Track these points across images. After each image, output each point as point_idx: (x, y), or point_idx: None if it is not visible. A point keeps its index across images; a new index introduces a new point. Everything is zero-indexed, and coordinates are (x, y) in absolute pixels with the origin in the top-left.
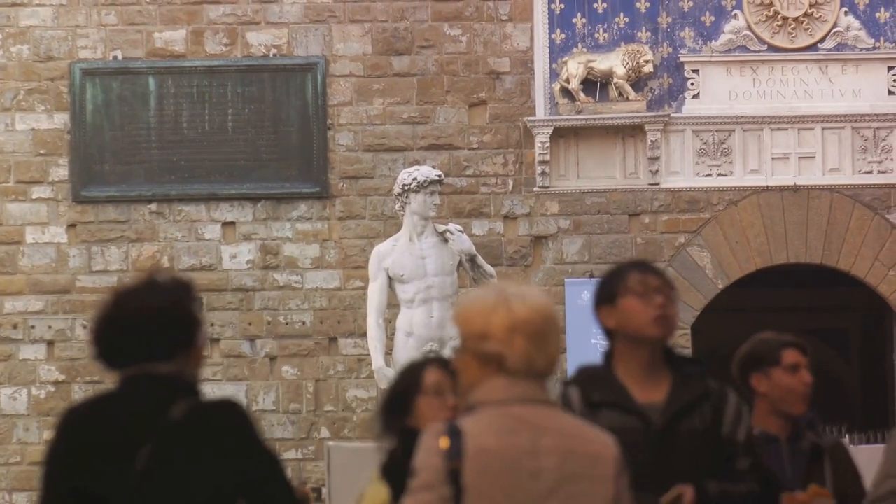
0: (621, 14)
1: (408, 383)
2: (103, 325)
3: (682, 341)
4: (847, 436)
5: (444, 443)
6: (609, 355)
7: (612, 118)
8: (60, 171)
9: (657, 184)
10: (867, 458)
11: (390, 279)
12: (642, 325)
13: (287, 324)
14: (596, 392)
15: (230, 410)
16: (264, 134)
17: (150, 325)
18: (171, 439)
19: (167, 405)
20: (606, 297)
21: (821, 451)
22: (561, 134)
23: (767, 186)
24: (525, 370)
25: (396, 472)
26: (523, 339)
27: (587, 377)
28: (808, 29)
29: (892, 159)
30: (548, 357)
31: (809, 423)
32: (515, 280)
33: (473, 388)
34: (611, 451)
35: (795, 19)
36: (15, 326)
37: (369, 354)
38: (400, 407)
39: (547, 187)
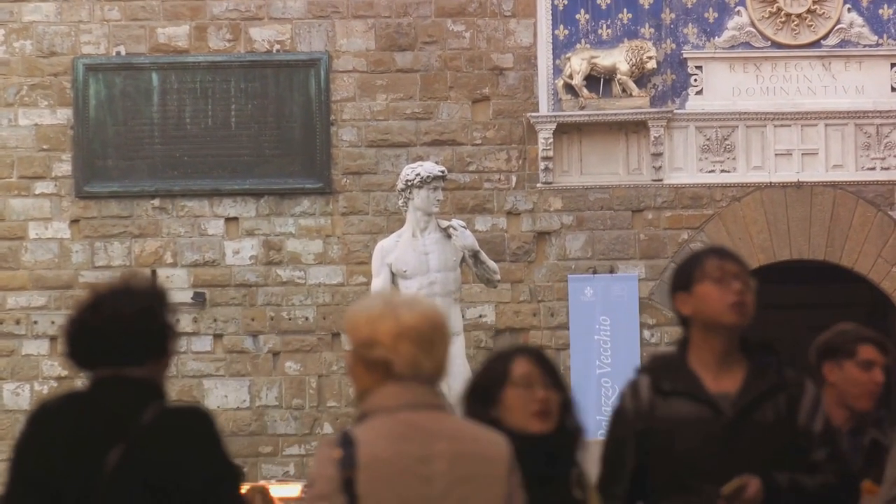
0: (624, 10)
1: (495, 373)
2: (78, 327)
3: None
4: None
5: (336, 453)
6: (683, 343)
7: (615, 114)
8: (63, 167)
9: (660, 180)
10: None
11: (393, 275)
12: (719, 312)
13: (290, 319)
14: (667, 380)
15: (197, 417)
16: (267, 129)
17: (127, 331)
18: (142, 442)
19: (138, 409)
20: (682, 283)
21: (882, 448)
22: (564, 130)
23: (770, 183)
24: (412, 375)
25: None
26: (409, 344)
27: (659, 365)
28: (811, 25)
29: (895, 156)
30: (435, 362)
31: (877, 420)
32: (518, 274)
33: (365, 395)
34: (502, 452)
35: (799, 16)
36: (18, 322)
37: None
38: (486, 398)
39: (550, 183)
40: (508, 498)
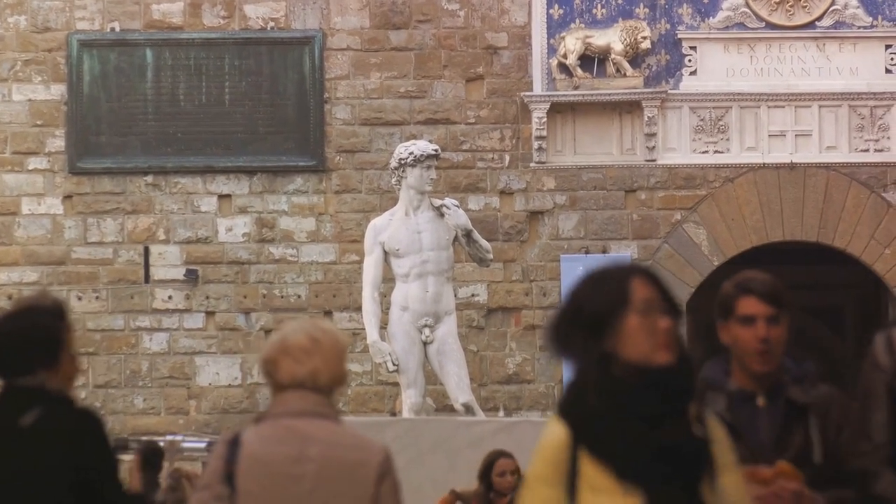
0: None
1: (610, 297)
2: None
3: None
4: None
5: (223, 450)
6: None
7: (609, 94)
8: (57, 143)
9: (654, 160)
10: None
11: (386, 253)
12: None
13: (282, 297)
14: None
15: (80, 417)
16: (261, 107)
17: (12, 346)
18: (17, 443)
19: (21, 413)
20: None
21: (801, 410)
22: (558, 109)
23: (764, 164)
24: (295, 385)
25: (578, 407)
26: (287, 357)
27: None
28: (805, 7)
29: (888, 137)
30: (311, 372)
31: (799, 376)
32: (510, 253)
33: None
34: (373, 458)
35: None
36: (10, 297)
37: (364, 328)
38: (596, 326)
39: (543, 163)
40: (374, 500)
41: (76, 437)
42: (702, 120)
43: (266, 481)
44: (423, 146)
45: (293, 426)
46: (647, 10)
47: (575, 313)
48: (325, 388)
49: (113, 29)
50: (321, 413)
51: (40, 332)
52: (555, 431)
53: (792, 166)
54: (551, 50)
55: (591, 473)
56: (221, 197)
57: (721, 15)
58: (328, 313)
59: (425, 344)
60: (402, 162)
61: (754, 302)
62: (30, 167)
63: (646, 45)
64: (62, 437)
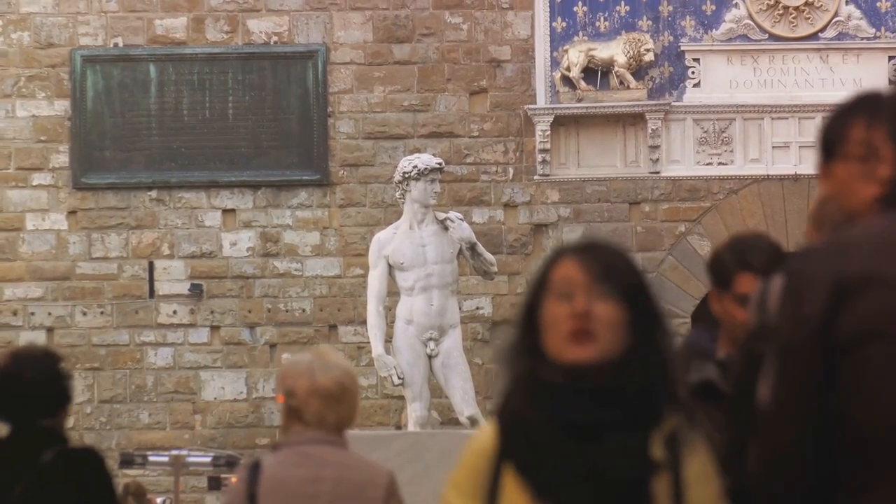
0: (622, 2)
1: (533, 282)
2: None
3: (682, 331)
4: None
5: (245, 473)
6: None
7: (612, 106)
8: (61, 158)
9: (657, 172)
10: None
11: (390, 267)
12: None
13: (287, 311)
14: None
15: (87, 455)
16: (265, 121)
17: (41, 389)
18: (40, 479)
19: (41, 451)
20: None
21: None
22: (561, 122)
23: (768, 175)
24: (317, 424)
25: (508, 412)
26: (318, 401)
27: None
28: (808, 18)
29: None
30: (339, 416)
31: None
32: (515, 266)
33: (283, 430)
34: (380, 480)
35: (796, 8)
36: (15, 313)
37: (369, 342)
38: (529, 319)
39: (547, 175)
40: None
41: (85, 473)
42: (705, 132)
43: (285, 500)
44: (426, 159)
45: (308, 451)
46: (650, 22)
47: (519, 309)
48: (345, 426)
49: (116, 44)
50: (333, 441)
51: (62, 378)
52: (483, 436)
53: (796, 178)
54: (555, 63)
55: (512, 490)
56: (226, 211)
57: (724, 27)
58: (333, 327)
59: (430, 357)
60: (406, 175)
61: (753, 280)
62: (34, 183)
63: (649, 57)
64: (74, 472)
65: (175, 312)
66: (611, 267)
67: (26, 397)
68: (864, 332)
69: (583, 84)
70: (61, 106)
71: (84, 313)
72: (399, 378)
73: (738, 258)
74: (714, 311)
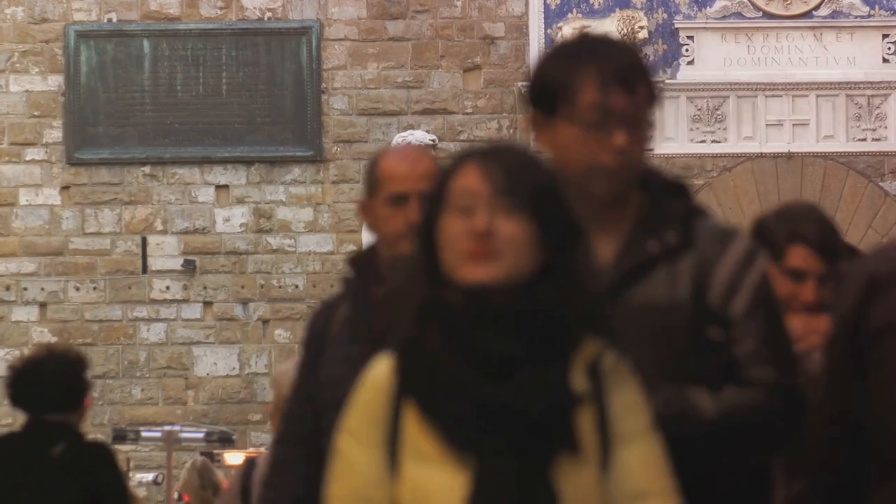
0: None
1: (431, 194)
2: (21, 381)
3: None
4: None
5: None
6: None
7: None
8: (54, 134)
9: (651, 150)
10: None
11: None
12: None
13: (280, 287)
14: None
15: (97, 450)
16: (258, 97)
17: (50, 385)
18: (49, 472)
19: (50, 445)
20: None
21: None
22: None
23: (761, 153)
24: None
25: (408, 341)
26: None
27: None
28: None
29: (885, 127)
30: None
31: None
32: None
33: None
34: None
35: None
36: (8, 288)
37: None
38: (428, 234)
39: (541, 153)
40: None
41: (95, 466)
42: (699, 109)
43: None
44: (420, 136)
45: None
46: None
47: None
48: None
49: (110, 20)
50: None
51: (74, 376)
52: (378, 370)
53: (789, 156)
54: (549, 39)
55: (416, 434)
56: (219, 187)
57: (718, 4)
58: None
59: None
60: None
61: (807, 254)
62: (27, 158)
63: (643, 34)
64: (84, 466)
65: (168, 288)
66: (518, 176)
67: (42, 391)
68: (887, 325)
69: None
70: (55, 81)
71: (77, 289)
72: None
73: (790, 229)
74: None
